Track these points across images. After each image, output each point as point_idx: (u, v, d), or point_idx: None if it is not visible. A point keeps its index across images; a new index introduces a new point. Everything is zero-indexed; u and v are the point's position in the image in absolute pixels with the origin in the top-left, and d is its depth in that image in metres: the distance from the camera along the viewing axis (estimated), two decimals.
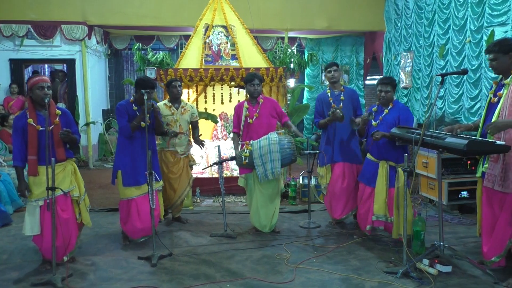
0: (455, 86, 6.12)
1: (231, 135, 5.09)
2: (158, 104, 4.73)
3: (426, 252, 3.63)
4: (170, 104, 4.86)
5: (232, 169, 6.42)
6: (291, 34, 9.53)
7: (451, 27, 6.22)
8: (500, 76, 3.38)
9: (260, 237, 4.48)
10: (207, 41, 6.29)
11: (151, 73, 5.83)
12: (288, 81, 6.49)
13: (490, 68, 3.42)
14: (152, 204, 3.85)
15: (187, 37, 7.05)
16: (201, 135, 5.09)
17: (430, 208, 5.44)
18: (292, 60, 6.25)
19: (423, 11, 7.05)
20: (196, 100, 6.24)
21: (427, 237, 4.12)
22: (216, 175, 6.02)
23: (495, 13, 5.23)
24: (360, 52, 10.38)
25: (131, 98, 4.29)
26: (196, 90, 6.22)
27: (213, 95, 6.09)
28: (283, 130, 4.89)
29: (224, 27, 6.36)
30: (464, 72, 3.51)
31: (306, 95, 10.48)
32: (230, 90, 6.58)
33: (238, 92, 6.55)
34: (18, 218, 4.82)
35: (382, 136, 4.00)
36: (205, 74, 5.93)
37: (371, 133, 4.11)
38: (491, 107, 3.37)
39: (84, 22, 8.34)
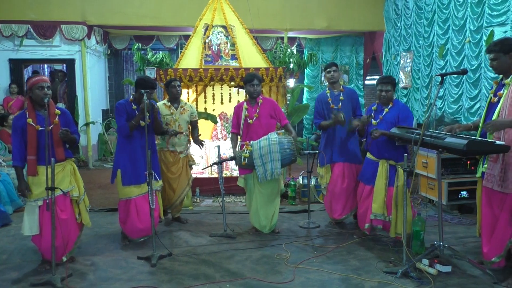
0: (455, 86, 6.13)
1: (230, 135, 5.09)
2: (157, 103, 4.73)
3: (426, 252, 3.63)
4: (169, 104, 4.86)
5: (232, 169, 6.41)
6: (291, 34, 9.53)
7: (450, 27, 6.23)
8: (501, 76, 3.38)
9: (260, 237, 4.48)
10: (207, 41, 6.29)
11: (150, 73, 5.82)
12: (287, 81, 6.48)
13: (491, 68, 3.42)
14: (152, 204, 3.85)
15: (187, 37, 7.05)
16: (200, 135, 5.10)
17: (429, 208, 5.43)
18: (291, 60, 6.24)
19: (422, 11, 7.05)
20: (196, 100, 6.25)
21: (427, 237, 4.12)
22: (215, 175, 6.01)
23: (495, 13, 5.24)
24: (360, 52, 10.37)
25: (131, 97, 4.29)
26: (196, 90, 6.22)
27: (213, 95, 6.08)
28: (283, 130, 4.88)
29: (224, 27, 6.36)
30: (464, 72, 3.51)
31: (305, 95, 10.49)
32: (230, 90, 6.58)
33: (238, 92, 6.56)
34: (18, 218, 4.81)
35: (381, 134, 4.00)
36: (205, 74, 5.92)
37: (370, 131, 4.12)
38: (491, 107, 3.37)
39: (84, 22, 8.34)
